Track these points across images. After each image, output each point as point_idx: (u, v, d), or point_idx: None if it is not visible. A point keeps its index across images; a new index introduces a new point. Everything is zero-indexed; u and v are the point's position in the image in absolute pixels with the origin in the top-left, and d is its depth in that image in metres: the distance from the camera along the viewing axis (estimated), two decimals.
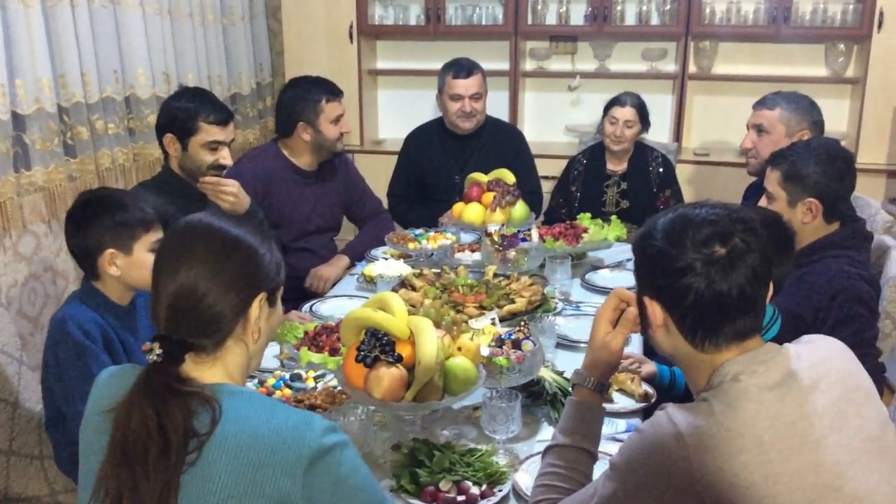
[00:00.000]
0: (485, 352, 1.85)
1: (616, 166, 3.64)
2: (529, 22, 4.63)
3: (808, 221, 2.21)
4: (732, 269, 1.26)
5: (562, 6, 4.65)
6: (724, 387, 1.27)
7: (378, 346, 1.67)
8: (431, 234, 2.96)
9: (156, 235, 2.04)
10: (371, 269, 2.72)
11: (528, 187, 3.56)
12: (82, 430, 1.35)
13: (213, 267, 1.30)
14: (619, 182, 3.61)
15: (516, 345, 1.89)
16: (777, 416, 1.23)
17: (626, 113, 3.54)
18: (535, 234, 2.67)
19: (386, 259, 2.88)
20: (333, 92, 3.08)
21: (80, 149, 3.38)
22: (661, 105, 4.65)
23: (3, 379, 2.10)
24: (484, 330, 1.94)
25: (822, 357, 1.35)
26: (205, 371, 1.31)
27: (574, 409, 1.49)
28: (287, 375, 1.88)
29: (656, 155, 3.66)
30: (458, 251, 2.81)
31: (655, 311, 1.34)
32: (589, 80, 4.75)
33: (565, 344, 2.31)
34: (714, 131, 4.71)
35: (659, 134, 4.54)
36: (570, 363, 1.99)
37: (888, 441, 1.32)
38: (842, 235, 2.21)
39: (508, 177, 3.03)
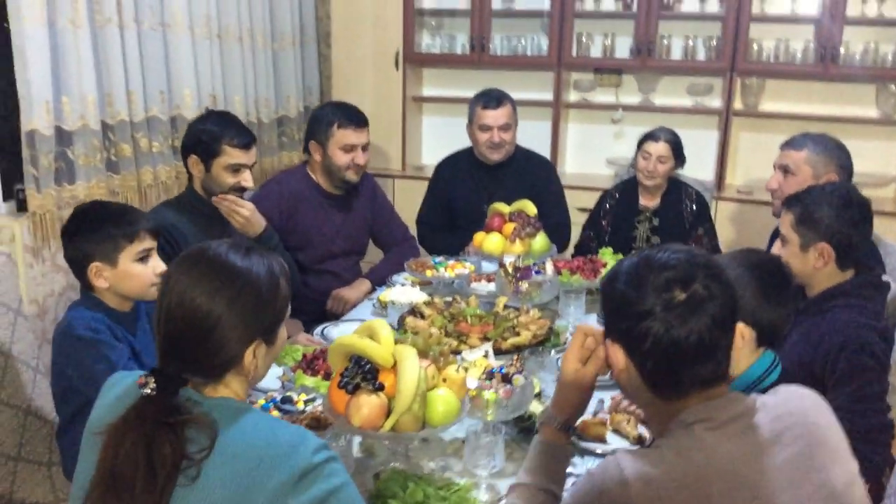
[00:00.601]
0: (472, 384, 1.85)
1: (648, 202, 3.60)
2: (574, 54, 4.64)
3: (819, 267, 2.16)
4: (691, 315, 1.25)
5: (607, 39, 4.65)
6: (678, 434, 1.26)
7: (360, 373, 1.69)
8: (450, 262, 2.97)
9: (141, 245, 2.04)
10: (386, 294, 2.74)
11: (555, 219, 3.56)
12: (84, 435, 1.40)
13: (229, 298, 1.34)
14: (650, 218, 3.57)
15: (506, 379, 1.89)
16: (729, 466, 1.21)
17: (659, 148, 3.51)
18: (549, 267, 2.67)
19: (405, 285, 2.90)
20: (351, 119, 3.07)
21: (122, 165, 3.51)
22: (705, 141, 4.61)
23: (17, 386, 2.18)
24: (475, 362, 1.94)
25: (789, 409, 1.33)
26: (207, 387, 1.37)
27: (539, 448, 1.48)
28: (279, 397, 1.91)
29: (690, 192, 3.61)
30: (475, 280, 2.82)
31: (618, 354, 1.33)
32: (633, 113, 4.74)
33: None
34: (758, 169, 4.61)
35: (702, 170, 4.51)
36: None
37: (852, 500, 1.29)
38: (855, 284, 2.16)
39: (530, 208, 3.04)
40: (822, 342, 2.08)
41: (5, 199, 3.17)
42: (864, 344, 2.03)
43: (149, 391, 1.31)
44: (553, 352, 2.31)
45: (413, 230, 3.59)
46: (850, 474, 1.33)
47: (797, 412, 1.33)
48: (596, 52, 4.72)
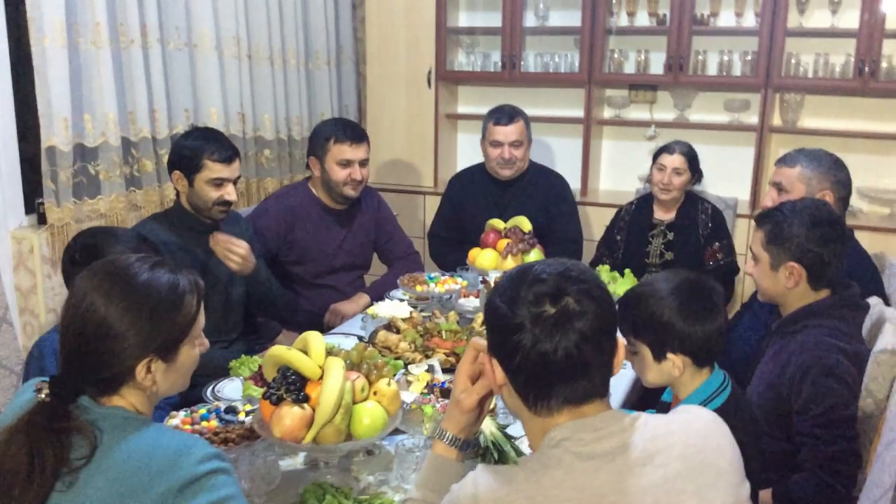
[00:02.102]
0: (409, 398, 1.85)
1: (663, 215, 3.52)
2: (607, 70, 4.58)
3: (791, 287, 2.08)
4: (558, 330, 1.22)
5: (640, 55, 4.58)
6: (541, 452, 1.23)
7: (284, 384, 1.71)
8: (443, 277, 2.97)
9: None
10: (374, 308, 2.75)
11: (567, 235, 3.53)
12: None
13: (124, 309, 1.36)
14: (665, 232, 3.49)
15: (446, 394, 1.87)
16: (585, 487, 1.18)
17: (674, 160, 3.44)
18: None
19: (402, 300, 2.91)
20: (347, 135, 3.09)
21: (145, 180, 3.62)
22: (742, 158, 4.48)
23: None
24: (419, 377, 1.94)
25: (671, 430, 1.27)
26: (104, 397, 1.39)
27: (429, 462, 1.46)
28: (223, 407, 1.94)
29: (706, 206, 3.51)
30: (464, 296, 2.80)
31: (496, 368, 1.31)
32: (668, 130, 4.64)
33: None
34: None
35: (739, 188, 4.39)
36: None
37: None
38: (826, 304, 2.06)
39: (525, 224, 3.01)
40: (788, 364, 2.00)
41: (27, 212, 3.31)
42: (831, 367, 1.94)
43: (42, 397, 1.35)
44: None
45: None
46: (738, 500, 1.26)
47: (679, 432, 1.27)
48: (630, 68, 4.65)
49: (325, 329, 3.00)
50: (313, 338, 1.80)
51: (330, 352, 1.80)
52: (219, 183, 2.61)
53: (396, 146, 4.95)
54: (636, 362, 1.82)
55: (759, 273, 2.15)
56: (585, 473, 1.19)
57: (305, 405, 1.70)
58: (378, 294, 3.11)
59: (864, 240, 3.92)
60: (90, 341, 1.36)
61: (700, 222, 3.47)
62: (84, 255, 2.07)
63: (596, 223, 4.37)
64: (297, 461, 1.92)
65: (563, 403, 1.25)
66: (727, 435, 1.33)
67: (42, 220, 3.29)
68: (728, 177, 4.53)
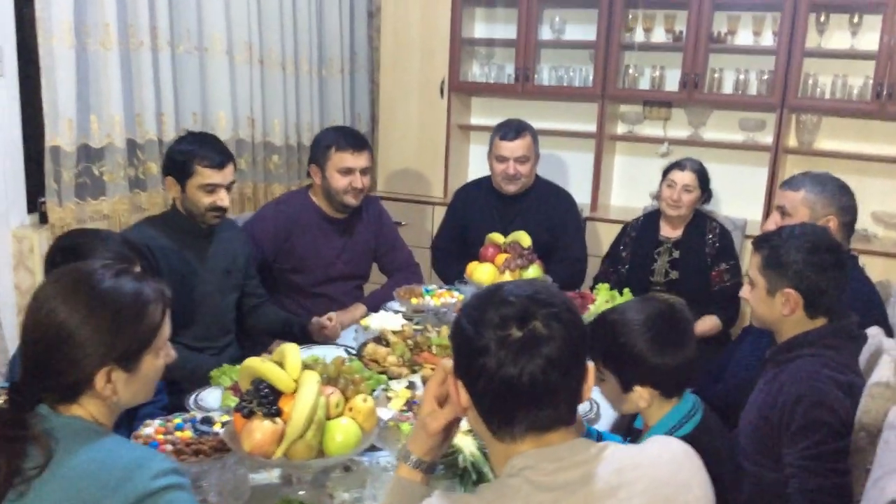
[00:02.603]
0: (386, 415, 1.81)
1: (670, 233, 3.46)
2: (622, 86, 4.54)
3: (787, 314, 2.02)
4: (523, 355, 1.18)
5: (655, 71, 4.53)
6: (500, 480, 1.19)
7: (256, 398, 1.68)
8: (440, 290, 2.93)
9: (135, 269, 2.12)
10: (368, 320, 2.72)
11: (571, 253, 3.49)
12: None
13: (85, 315, 1.34)
14: (670, 250, 3.43)
15: None
16: None
17: (685, 177, 3.38)
18: None
19: (398, 312, 2.87)
20: (348, 143, 3.05)
21: (150, 183, 3.62)
22: (756, 178, 4.41)
23: None
24: (399, 393, 1.90)
25: (638, 462, 1.23)
26: (62, 405, 1.37)
27: (394, 484, 1.42)
28: (199, 417, 1.91)
29: (714, 225, 3.45)
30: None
31: (461, 391, 1.27)
32: (682, 148, 4.58)
33: None
34: None
35: (752, 208, 4.34)
36: None
37: None
38: (821, 333, 2.00)
39: (524, 240, 2.97)
40: (780, 392, 1.95)
41: (29, 211, 3.32)
42: (822, 398, 1.88)
43: (0, 403, 1.33)
44: None
45: None
46: None
47: (646, 465, 1.23)
48: (644, 84, 4.60)
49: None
50: (290, 350, 1.76)
51: (307, 365, 1.77)
52: (211, 189, 2.59)
53: (408, 155, 4.93)
54: (605, 389, 1.80)
55: (754, 298, 2.09)
56: None
57: (278, 419, 1.67)
58: (375, 305, 3.07)
59: (879, 265, 3.89)
60: (49, 348, 1.33)
61: (707, 242, 3.41)
62: (64, 257, 2.04)
63: (605, 239, 4.30)
64: (272, 475, 1.89)
65: (527, 430, 1.21)
66: (698, 468, 1.28)
67: (44, 219, 3.29)
68: (740, 197, 4.47)
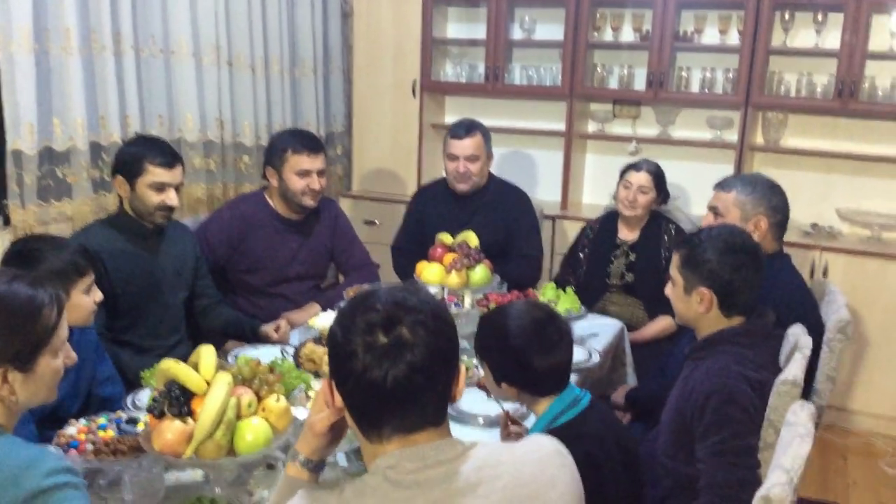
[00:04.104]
0: (302, 415, 1.85)
1: (627, 235, 3.50)
2: (591, 84, 4.57)
3: (702, 311, 2.08)
4: (388, 359, 1.22)
5: (623, 70, 4.56)
6: (361, 478, 1.23)
7: (168, 398, 1.73)
8: None
9: (89, 279, 2.18)
10: (314, 319, 2.76)
11: (525, 251, 3.53)
12: None
13: None
14: (627, 253, 3.47)
15: None
16: None
17: (640, 178, 3.42)
18: (467, 300, 2.63)
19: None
20: (304, 145, 3.11)
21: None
22: (724, 175, 4.41)
23: None
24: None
25: (501, 460, 1.27)
26: None
27: (283, 483, 1.47)
28: (124, 418, 1.96)
29: (670, 227, 3.48)
30: None
31: (336, 394, 1.32)
32: (650, 146, 4.62)
33: (452, 416, 2.24)
34: None
35: None
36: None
37: None
38: (736, 331, 2.05)
39: (472, 239, 3.00)
40: (693, 389, 2.00)
41: None
42: (731, 394, 1.93)
43: None
44: None
45: None
46: None
47: (508, 463, 1.27)
48: (613, 82, 4.63)
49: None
50: (205, 352, 1.81)
51: (222, 366, 1.81)
52: (160, 187, 2.65)
53: (382, 155, 4.98)
54: (486, 380, 1.96)
55: (674, 296, 2.15)
56: (398, 502, 1.19)
57: (189, 419, 1.72)
58: (329, 304, 3.12)
59: (844, 262, 3.92)
60: None
61: (663, 243, 3.44)
62: (17, 261, 2.11)
63: (574, 236, 4.35)
64: (196, 475, 1.94)
65: (394, 431, 1.26)
66: (567, 466, 1.32)
67: (7, 221, 3.34)
68: (708, 194, 4.47)
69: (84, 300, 2.17)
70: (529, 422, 2.03)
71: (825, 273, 3.97)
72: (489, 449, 1.29)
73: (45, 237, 2.42)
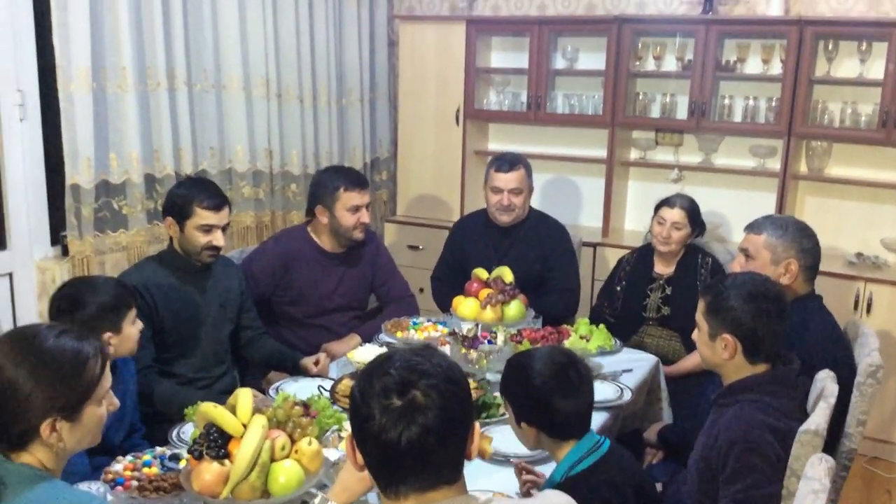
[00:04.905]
0: (335, 455, 1.94)
1: (662, 269, 3.52)
2: (633, 112, 4.61)
3: (727, 358, 2.11)
4: (402, 422, 1.30)
5: (665, 98, 4.58)
6: None
7: (207, 441, 1.83)
8: (426, 324, 3.05)
9: (135, 310, 2.35)
10: (353, 353, 2.85)
11: (563, 284, 3.57)
12: None
13: (29, 371, 1.51)
14: (663, 286, 3.49)
15: None
16: None
17: (674, 214, 3.44)
18: (500, 337, 2.69)
19: (384, 345, 2.98)
20: (354, 182, 3.23)
21: None
22: (767, 203, 4.42)
23: None
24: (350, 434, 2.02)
25: None
26: (14, 453, 1.53)
27: None
28: (168, 454, 2.07)
29: (707, 260, 3.49)
30: (443, 344, 2.87)
31: (357, 451, 1.39)
32: (693, 174, 4.64)
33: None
34: (824, 236, 4.36)
35: None
36: (489, 477, 2.09)
37: None
38: (761, 379, 2.07)
39: (507, 275, 3.07)
40: (718, 437, 2.03)
41: (52, 243, 3.54)
42: (755, 443, 1.96)
43: None
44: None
45: None
46: None
47: None
48: (656, 110, 4.66)
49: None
50: (242, 395, 1.91)
51: (258, 410, 1.91)
52: (207, 229, 2.77)
53: (426, 181, 5.07)
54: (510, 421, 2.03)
55: (699, 341, 2.19)
56: None
57: (226, 461, 1.82)
58: (368, 335, 3.20)
59: (888, 293, 3.89)
60: (1, 400, 1.50)
61: (699, 276, 3.45)
62: (66, 303, 2.27)
63: (613, 265, 4.38)
64: None
65: (410, 490, 1.33)
66: None
67: (65, 251, 3.51)
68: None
69: (133, 331, 2.33)
70: (547, 468, 2.07)
71: (869, 305, 3.94)
72: None
73: (86, 279, 2.59)
